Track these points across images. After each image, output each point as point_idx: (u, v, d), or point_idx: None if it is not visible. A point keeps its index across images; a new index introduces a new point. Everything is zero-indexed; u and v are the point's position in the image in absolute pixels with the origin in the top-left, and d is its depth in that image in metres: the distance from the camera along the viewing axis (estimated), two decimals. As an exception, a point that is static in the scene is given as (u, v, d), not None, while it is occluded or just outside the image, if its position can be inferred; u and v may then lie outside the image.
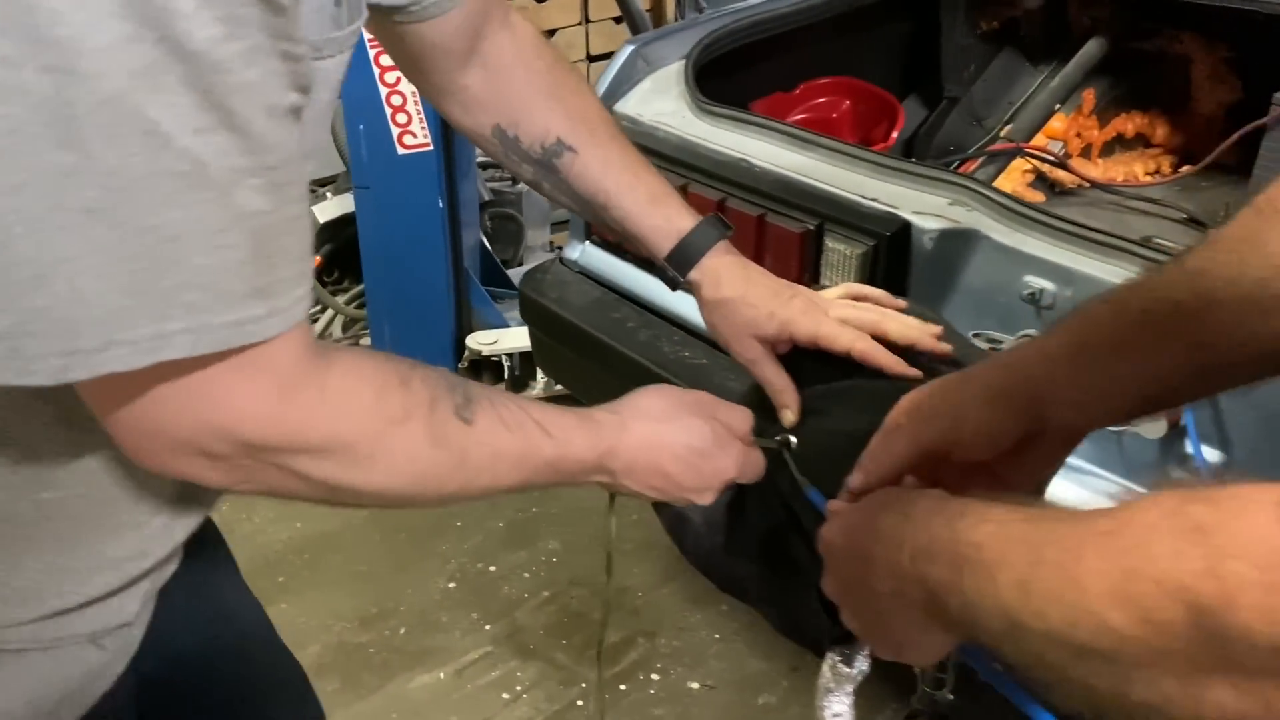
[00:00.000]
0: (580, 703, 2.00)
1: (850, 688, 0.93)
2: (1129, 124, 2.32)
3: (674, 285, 0.99)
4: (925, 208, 1.40)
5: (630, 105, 1.77)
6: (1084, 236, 1.28)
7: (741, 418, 0.87)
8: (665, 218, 0.95)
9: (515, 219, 3.23)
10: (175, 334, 0.51)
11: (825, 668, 0.94)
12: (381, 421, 0.62)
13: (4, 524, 0.67)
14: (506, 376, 2.61)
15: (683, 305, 1.73)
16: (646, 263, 1.75)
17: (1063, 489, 1.32)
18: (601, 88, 1.77)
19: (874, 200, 1.44)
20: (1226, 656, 0.44)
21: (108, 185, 0.47)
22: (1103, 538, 0.51)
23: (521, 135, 0.93)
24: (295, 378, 0.58)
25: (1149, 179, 2.28)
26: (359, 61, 2.35)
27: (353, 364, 0.62)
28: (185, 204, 0.49)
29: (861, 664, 0.95)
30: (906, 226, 1.39)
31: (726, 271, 0.94)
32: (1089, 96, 2.25)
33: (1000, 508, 0.63)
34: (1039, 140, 2.23)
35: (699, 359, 1.67)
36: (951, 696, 1.37)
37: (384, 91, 2.34)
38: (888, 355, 0.92)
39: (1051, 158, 2.15)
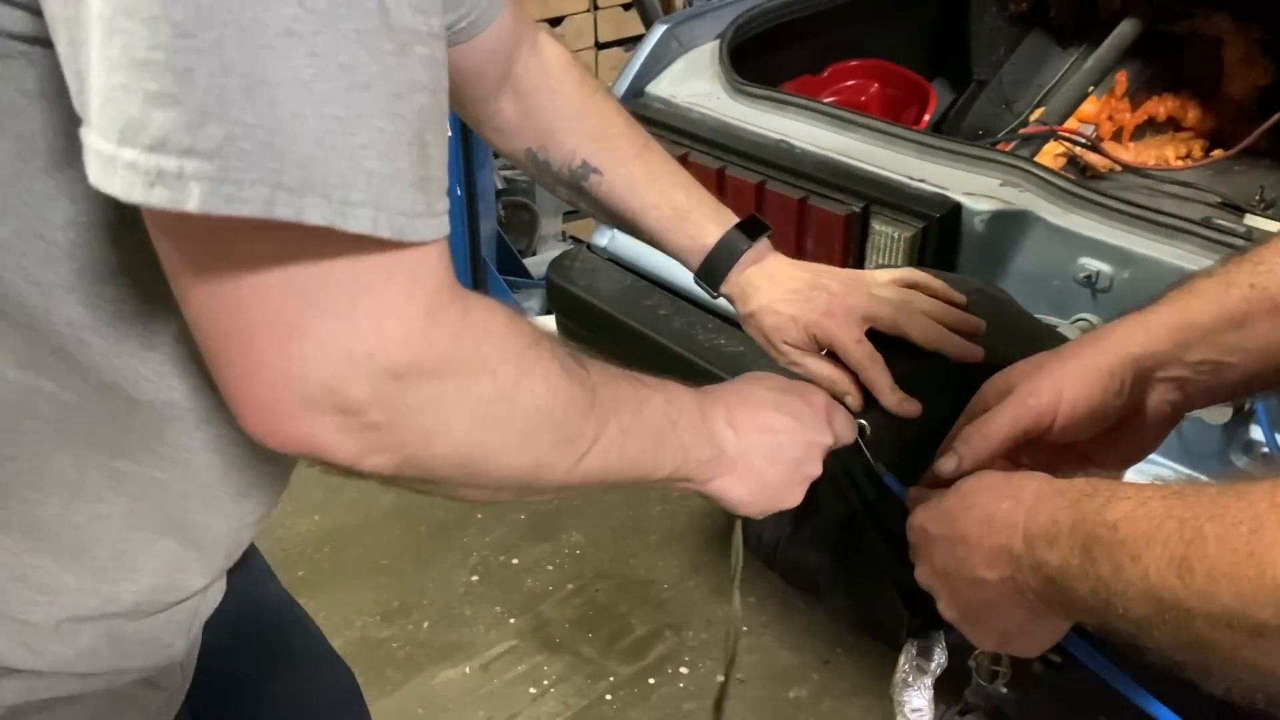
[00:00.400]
0: (609, 697, 1.97)
1: (929, 681, 0.90)
2: (1161, 107, 2.28)
3: (715, 297, 0.97)
4: (975, 188, 1.37)
5: (663, 86, 1.73)
6: (1142, 217, 1.25)
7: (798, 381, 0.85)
8: (690, 236, 0.92)
9: (529, 208, 3.19)
10: (359, 204, 0.47)
11: (902, 661, 0.91)
12: (520, 343, 0.58)
13: (75, 501, 0.62)
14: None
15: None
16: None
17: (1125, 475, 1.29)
18: (634, 68, 1.74)
19: (922, 181, 1.40)
20: None
21: (306, 4, 0.44)
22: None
23: (551, 158, 0.93)
24: (443, 293, 0.53)
25: (1180, 163, 2.24)
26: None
27: (479, 294, 0.59)
28: (372, 50, 0.46)
29: (940, 656, 0.92)
30: (957, 208, 1.36)
31: (750, 283, 0.92)
32: (1121, 79, 2.21)
33: (1131, 486, 0.59)
34: (1070, 123, 2.19)
35: (735, 346, 1.64)
36: (1006, 689, 1.34)
37: (402, 76, 2.29)
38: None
39: (1085, 141, 2.12)
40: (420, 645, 2.07)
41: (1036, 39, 2.33)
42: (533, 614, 2.14)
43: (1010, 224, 1.33)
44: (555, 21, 4.32)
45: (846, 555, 0.91)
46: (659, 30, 1.75)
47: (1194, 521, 0.53)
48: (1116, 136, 2.25)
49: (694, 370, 1.62)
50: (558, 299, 1.90)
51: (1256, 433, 1.19)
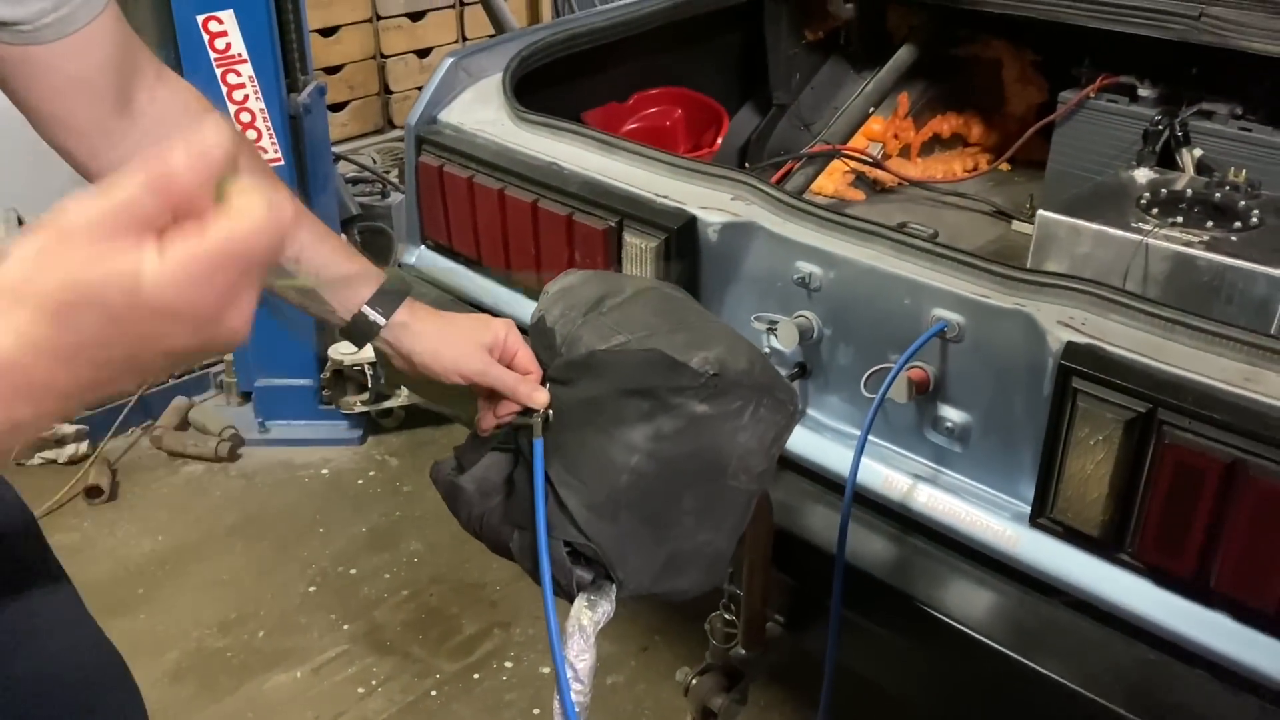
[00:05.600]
0: (434, 692, 2.07)
1: (592, 630, 1.02)
2: (944, 124, 2.48)
3: (366, 335, 1.02)
4: (710, 203, 1.51)
5: (453, 115, 1.85)
6: (843, 224, 1.40)
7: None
8: (364, 265, 1.03)
9: (385, 232, 3.28)
10: None
11: (573, 611, 1.03)
12: None
13: None
14: (370, 386, 2.67)
15: (510, 304, 1.82)
16: (474, 263, 1.85)
17: (830, 451, 1.44)
18: (425, 97, 1.86)
19: (665, 198, 1.54)
20: None
21: None
22: None
23: None
24: None
25: (967, 175, 2.44)
26: (204, 78, 2.40)
27: None
28: None
29: (605, 607, 1.04)
30: (693, 220, 1.50)
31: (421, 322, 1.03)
32: (904, 100, 2.40)
33: None
34: (859, 142, 2.37)
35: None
36: (744, 651, 1.48)
37: (232, 109, 2.39)
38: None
39: (867, 158, 2.30)
40: (254, 653, 2.15)
41: (834, 65, 2.51)
42: (366, 619, 2.23)
43: (738, 233, 1.48)
44: (423, 53, 4.44)
45: (527, 524, 1.04)
46: (447, 62, 1.87)
47: None
48: (905, 153, 2.44)
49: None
50: (370, 316, 2.00)
51: (944, 410, 1.34)
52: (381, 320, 1.01)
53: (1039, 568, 1.26)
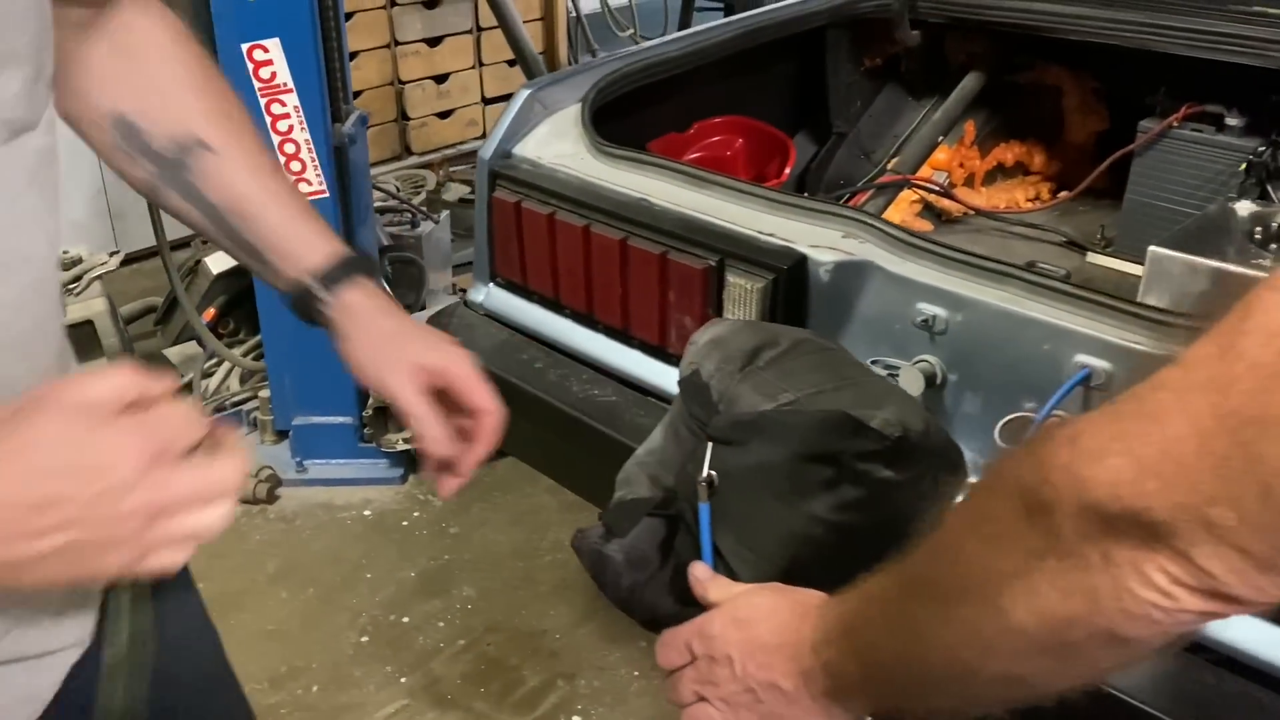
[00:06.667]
0: (502, 750, 1.97)
1: None
2: (1008, 153, 2.42)
3: (309, 311, 0.87)
4: (820, 241, 1.44)
5: (529, 148, 1.78)
6: (970, 263, 1.33)
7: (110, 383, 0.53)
8: (320, 231, 0.87)
9: (416, 263, 3.20)
10: None
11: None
12: None
13: None
14: (413, 422, 2.58)
15: (590, 344, 1.74)
16: (551, 303, 1.77)
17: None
18: (500, 131, 1.78)
19: (771, 235, 1.47)
20: (1049, 530, 0.50)
21: None
22: (960, 502, 0.58)
23: (150, 128, 0.83)
24: None
25: (1030, 205, 2.39)
26: (247, 109, 2.32)
27: None
28: None
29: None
30: (803, 260, 1.43)
31: (372, 315, 0.87)
32: (970, 128, 2.35)
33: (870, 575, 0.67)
34: (924, 171, 2.32)
35: (609, 396, 1.68)
36: None
37: (276, 140, 2.30)
38: None
39: (937, 188, 2.24)
40: (309, 709, 2.05)
41: (891, 92, 2.45)
42: (423, 671, 2.13)
43: (852, 273, 1.41)
44: (441, 79, 4.37)
45: (693, 599, 0.95)
46: (523, 94, 1.80)
47: (908, 565, 0.63)
48: (969, 182, 2.39)
49: (568, 420, 1.66)
50: (435, 356, 1.92)
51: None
52: (324, 295, 0.85)
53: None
